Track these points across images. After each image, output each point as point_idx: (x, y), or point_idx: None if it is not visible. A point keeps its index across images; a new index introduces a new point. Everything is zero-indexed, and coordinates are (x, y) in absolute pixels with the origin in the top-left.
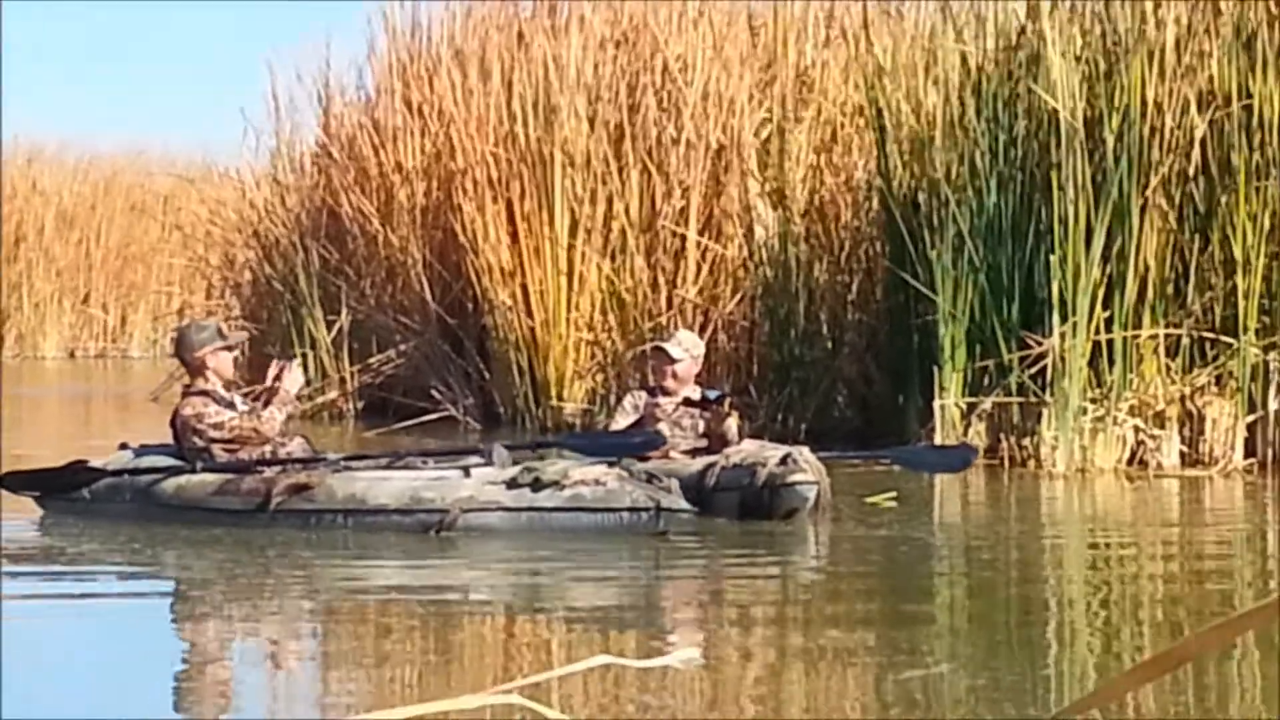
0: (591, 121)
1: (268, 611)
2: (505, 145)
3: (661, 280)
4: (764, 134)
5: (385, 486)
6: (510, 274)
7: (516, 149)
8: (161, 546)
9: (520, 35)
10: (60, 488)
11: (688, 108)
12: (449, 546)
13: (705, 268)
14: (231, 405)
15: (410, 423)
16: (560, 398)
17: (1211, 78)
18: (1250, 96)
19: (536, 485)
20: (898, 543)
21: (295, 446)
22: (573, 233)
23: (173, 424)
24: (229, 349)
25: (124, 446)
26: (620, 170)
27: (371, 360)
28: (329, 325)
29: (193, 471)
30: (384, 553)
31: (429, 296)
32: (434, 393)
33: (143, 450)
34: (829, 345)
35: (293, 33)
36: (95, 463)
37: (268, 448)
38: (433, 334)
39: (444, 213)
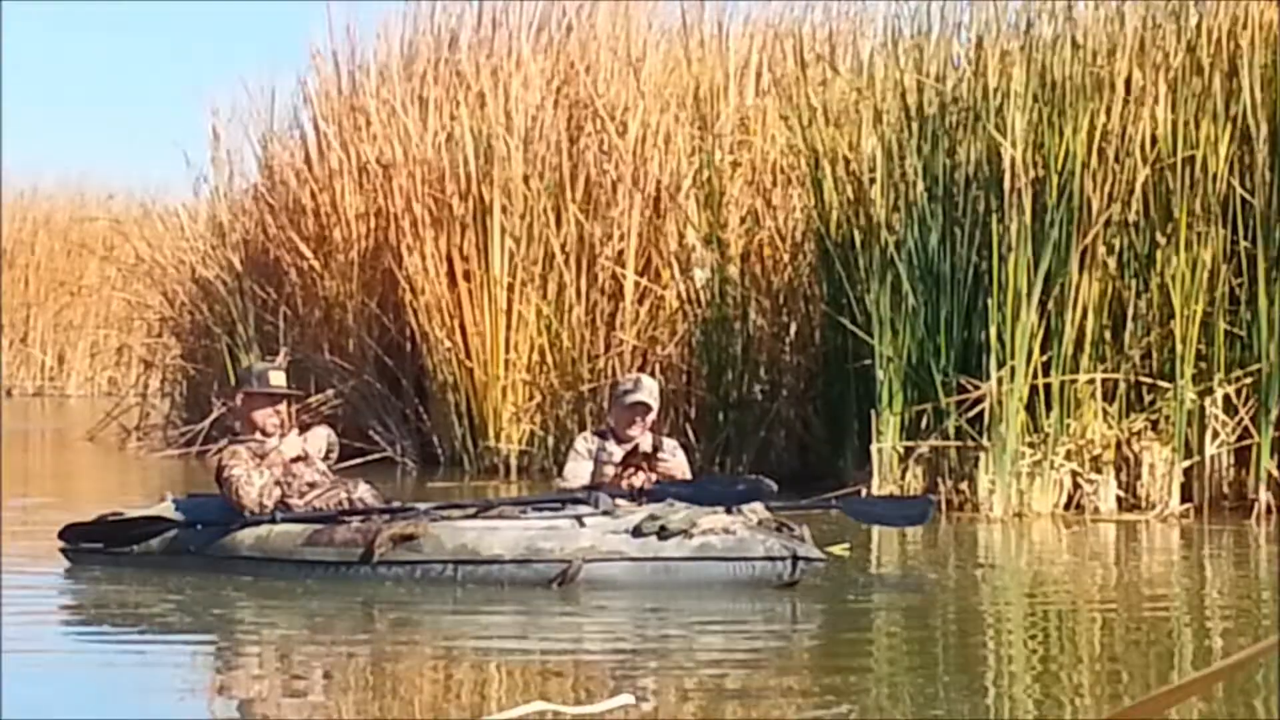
0: (530, 162)
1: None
2: (443, 185)
3: (600, 322)
4: (702, 177)
5: (498, 536)
6: (448, 315)
7: (456, 189)
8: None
9: (459, 75)
10: (125, 540)
11: (626, 151)
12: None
13: (643, 310)
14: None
15: (349, 464)
16: (498, 439)
17: (1154, 126)
18: (1193, 146)
19: (663, 534)
20: (837, 589)
21: (364, 492)
22: (511, 274)
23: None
24: (270, 400)
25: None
26: (559, 211)
27: (310, 400)
28: None
29: (272, 521)
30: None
31: (366, 337)
32: (372, 433)
33: (188, 500)
34: (767, 388)
35: (233, 69)
36: (154, 511)
37: (343, 492)
38: (371, 374)
39: (382, 253)
